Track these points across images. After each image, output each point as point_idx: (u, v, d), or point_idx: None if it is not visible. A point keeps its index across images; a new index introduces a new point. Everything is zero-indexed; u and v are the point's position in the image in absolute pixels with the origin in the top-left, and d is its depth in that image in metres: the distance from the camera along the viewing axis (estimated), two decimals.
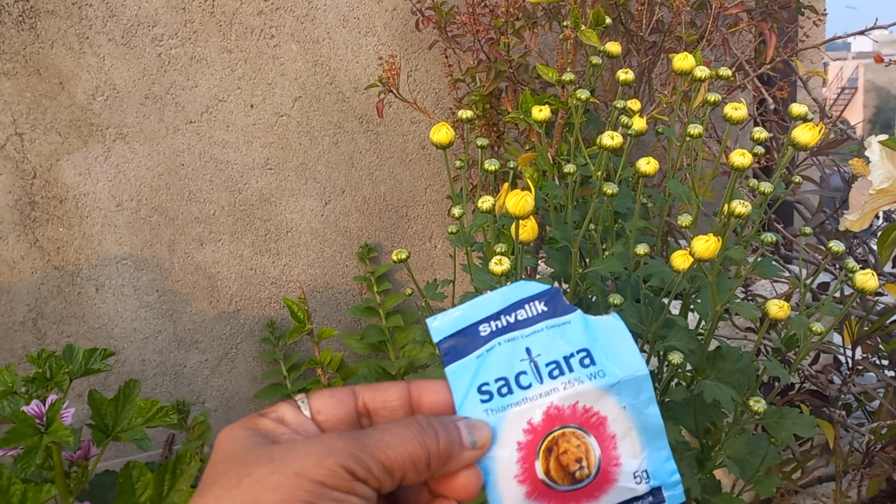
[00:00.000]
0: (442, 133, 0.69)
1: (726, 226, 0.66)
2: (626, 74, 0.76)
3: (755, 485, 0.75)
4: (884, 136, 0.87)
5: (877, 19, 1.16)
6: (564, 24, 0.96)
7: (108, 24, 1.19)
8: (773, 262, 0.74)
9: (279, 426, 0.34)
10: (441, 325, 0.38)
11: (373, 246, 1.42)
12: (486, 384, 0.35)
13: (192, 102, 1.25)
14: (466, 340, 0.37)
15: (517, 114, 0.97)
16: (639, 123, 0.73)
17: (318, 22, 1.29)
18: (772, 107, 1.25)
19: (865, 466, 1.02)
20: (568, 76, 0.83)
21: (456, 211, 0.72)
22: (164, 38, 1.22)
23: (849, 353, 1.07)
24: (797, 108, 0.74)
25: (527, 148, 1.09)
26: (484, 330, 0.37)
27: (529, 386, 0.35)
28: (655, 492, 0.34)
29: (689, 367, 0.72)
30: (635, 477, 0.34)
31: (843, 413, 1.06)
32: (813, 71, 1.31)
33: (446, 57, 1.26)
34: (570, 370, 0.35)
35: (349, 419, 0.35)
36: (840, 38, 1.04)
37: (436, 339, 0.37)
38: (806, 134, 0.69)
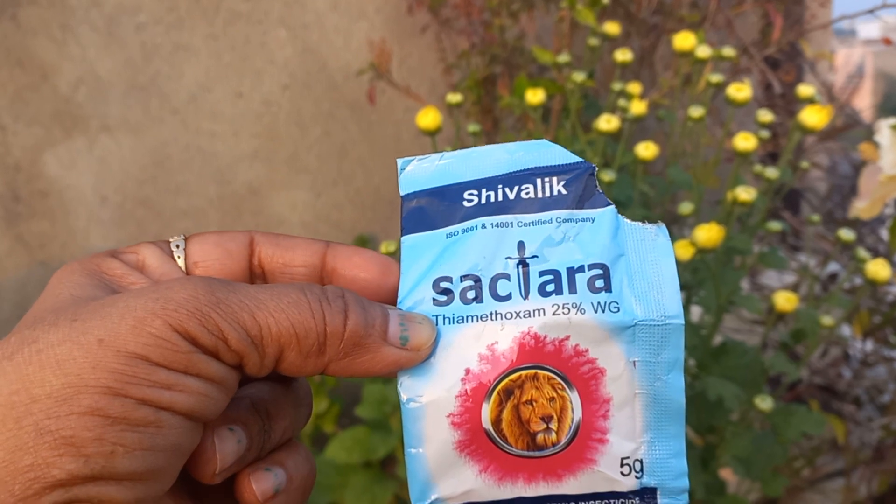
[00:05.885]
0: (429, 118, 0.66)
1: (730, 214, 0.63)
2: (623, 55, 0.72)
3: (762, 485, 0.72)
4: (895, 120, 0.84)
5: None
6: (561, 5, 0.92)
7: (90, 12, 1.16)
8: (780, 253, 0.71)
9: (131, 272, 0.24)
10: (414, 174, 0.27)
11: (367, 238, 1.39)
12: (449, 279, 0.25)
13: (178, 92, 1.22)
14: (443, 206, 0.27)
15: (512, 99, 0.93)
16: (637, 107, 0.69)
17: (308, 7, 1.26)
18: (778, 91, 1.21)
19: (875, 462, 0.99)
20: (563, 58, 0.79)
21: None
22: (148, 26, 1.18)
23: (858, 345, 1.03)
24: (805, 90, 0.71)
25: (523, 135, 1.06)
26: (470, 198, 0.27)
27: (508, 297, 0.25)
28: (646, 494, 0.24)
29: (692, 362, 0.69)
30: (623, 465, 0.24)
31: (854, 408, 1.03)
32: (820, 53, 1.27)
33: (440, 41, 1.22)
34: (572, 290, 0.24)
35: (239, 278, 0.26)
36: (848, 17, 0.99)
37: (403, 192, 0.27)
38: (814, 116, 0.66)
